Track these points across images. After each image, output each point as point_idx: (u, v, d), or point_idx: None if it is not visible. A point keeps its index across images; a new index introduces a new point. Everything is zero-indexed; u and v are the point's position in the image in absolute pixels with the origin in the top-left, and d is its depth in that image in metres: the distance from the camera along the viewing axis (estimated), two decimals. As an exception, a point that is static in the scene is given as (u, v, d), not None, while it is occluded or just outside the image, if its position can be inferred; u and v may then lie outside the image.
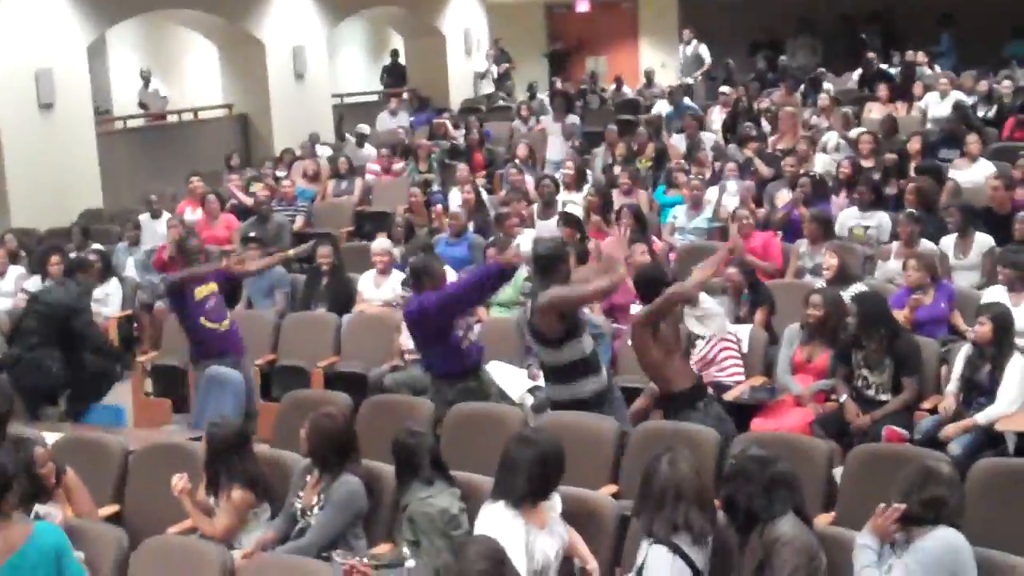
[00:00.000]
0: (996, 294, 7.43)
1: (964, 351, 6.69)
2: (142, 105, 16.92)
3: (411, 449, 5.13)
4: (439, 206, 11.11)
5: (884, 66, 17.27)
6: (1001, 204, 9.12)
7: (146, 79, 16.65)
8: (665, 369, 6.14)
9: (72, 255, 9.95)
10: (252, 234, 10.39)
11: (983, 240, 8.48)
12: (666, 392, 6.17)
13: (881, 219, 9.50)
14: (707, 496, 4.40)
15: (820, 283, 7.70)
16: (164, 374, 9.02)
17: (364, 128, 15.84)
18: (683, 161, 12.27)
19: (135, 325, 10.52)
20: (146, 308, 10.44)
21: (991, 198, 9.19)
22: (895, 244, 8.82)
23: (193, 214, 12.01)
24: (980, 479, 5.13)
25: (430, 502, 4.99)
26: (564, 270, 6.44)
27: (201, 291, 7.69)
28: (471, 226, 10.46)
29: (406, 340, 8.24)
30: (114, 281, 10.34)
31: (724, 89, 16.02)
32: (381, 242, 9.52)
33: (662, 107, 15.92)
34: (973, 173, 10.61)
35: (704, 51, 18.87)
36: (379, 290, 9.31)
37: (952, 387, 6.64)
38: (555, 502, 4.79)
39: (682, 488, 4.29)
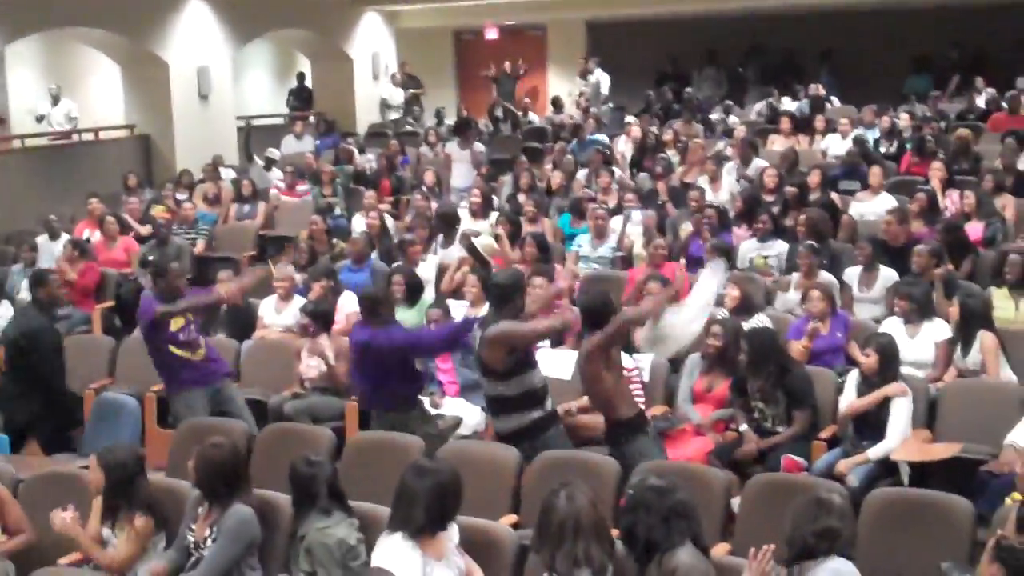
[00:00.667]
0: (892, 326, 7.57)
1: (853, 378, 6.82)
2: (39, 119, 16.50)
3: (308, 478, 5.05)
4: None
5: (786, 100, 17.59)
6: (895, 237, 9.30)
7: (55, 97, 16.30)
8: (615, 396, 6.13)
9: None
10: (150, 257, 10.21)
11: (888, 274, 8.63)
12: (614, 419, 6.14)
13: (780, 249, 9.64)
14: (605, 528, 4.38)
15: (721, 313, 7.76)
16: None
17: (274, 152, 15.69)
18: (587, 190, 12.34)
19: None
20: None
21: (885, 231, 9.37)
22: (795, 275, 8.95)
23: (91, 235, 11.78)
24: (875, 509, 5.21)
25: (328, 532, 4.91)
26: (519, 303, 6.43)
27: (176, 321, 7.40)
28: (374, 253, 10.39)
29: (306, 368, 8.18)
30: (6, 303, 10.08)
31: (629, 119, 16.18)
32: (283, 267, 9.41)
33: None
34: (875, 205, 10.83)
35: (605, 81, 19.04)
36: (280, 316, 9.20)
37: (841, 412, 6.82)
38: (452, 532, 4.74)
39: (580, 522, 4.26)
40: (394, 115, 19.79)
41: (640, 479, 4.70)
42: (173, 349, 7.33)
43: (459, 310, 8.53)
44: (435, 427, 6.96)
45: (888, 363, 6.67)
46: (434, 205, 11.92)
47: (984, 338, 7.32)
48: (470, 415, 7.61)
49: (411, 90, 20.38)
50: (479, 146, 14.93)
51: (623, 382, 6.28)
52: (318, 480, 5.04)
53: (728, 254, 9.22)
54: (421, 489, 4.60)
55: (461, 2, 19.03)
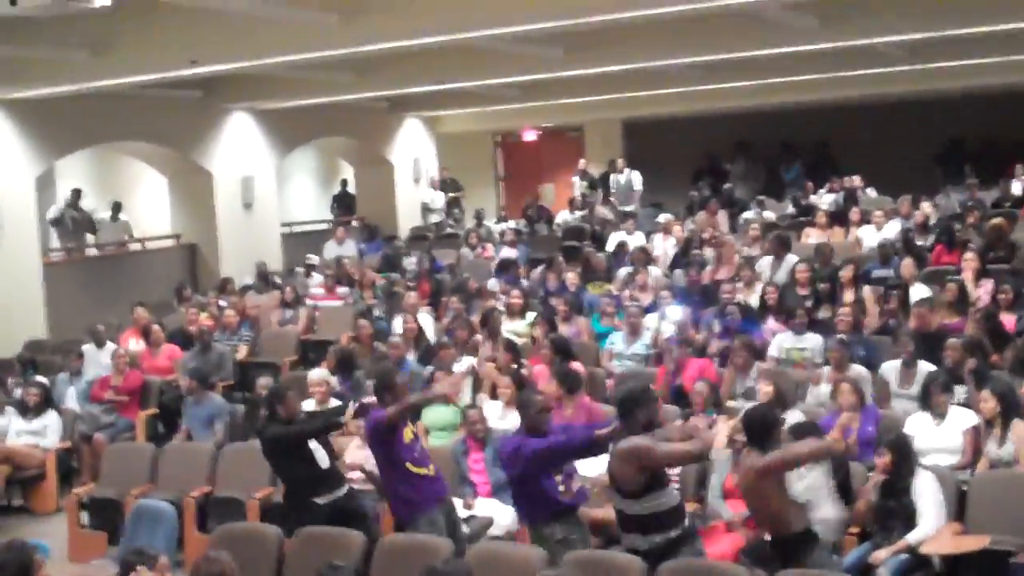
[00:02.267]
0: (918, 416, 7.62)
1: (876, 476, 6.84)
2: (53, 223, 16.71)
3: None
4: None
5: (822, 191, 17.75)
6: (926, 325, 9.36)
7: (115, 208, 16.73)
8: (785, 512, 6.04)
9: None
10: (193, 364, 10.41)
11: (926, 370, 8.54)
12: (784, 534, 6.04)
13: (815, 342, 9.68)
14: None
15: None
16: (101, 506, 8.92)
17: (313, 258, 15.96)
18: (611, 290, 12.49)
19: (74, 456, 10.47)
20: (85, 439, 10.41)
21: (915, 318, 9.43)
22: (826, 369, 8.99)
23: (137, 344, 12.03)
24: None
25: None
26: (644, 416, 6.14)
27: (407, 432, 7.04)
28: (412, 355, 10.53)
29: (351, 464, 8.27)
30: (52, 413, 10.31)
31: (660, 218, 16.34)
32: (317, 372, 9.55)
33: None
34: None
35: (636, 179, 19.26)
36: (318, 420, 9.32)
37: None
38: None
39: None
40: (435, 218, 20.08)
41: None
42: (410, 467, 6.94)
43: (494, 411, 8.68)
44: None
45: (902, 460, 6.73)
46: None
47: (1017, 427, 7.31)
48: (502, 515, 7.66)
49: (451, 193, 20.67)
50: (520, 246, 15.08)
51: (788, 495, 6.25)
52: None
53: (755, 350, 9.26)
54: None
55: (500, 106, 19.36)
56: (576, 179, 20.39)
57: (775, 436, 6.18)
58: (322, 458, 7.34)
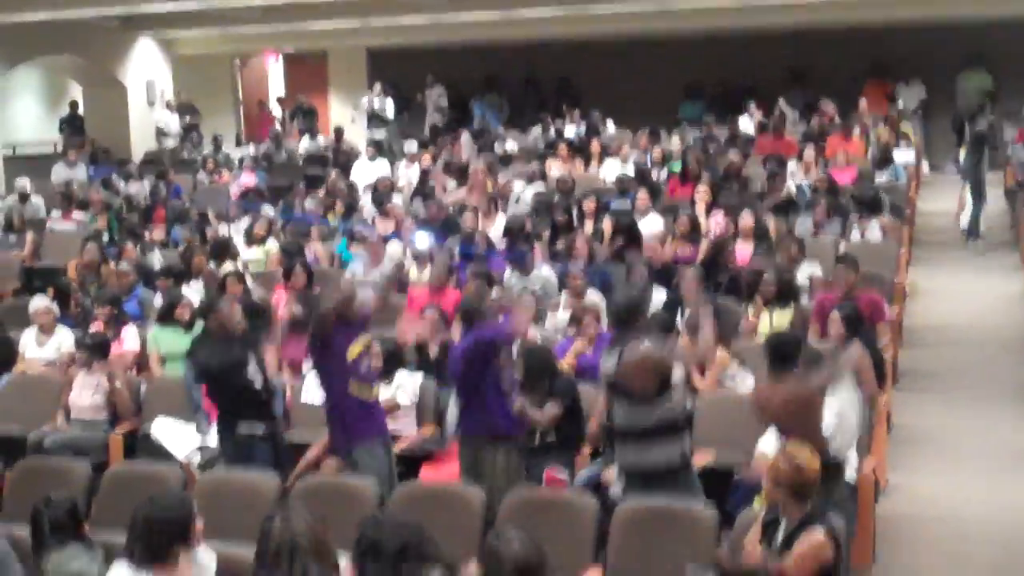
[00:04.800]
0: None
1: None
2: None
3: (46, 513, 4.90)
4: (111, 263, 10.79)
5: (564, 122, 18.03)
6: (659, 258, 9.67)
7: None
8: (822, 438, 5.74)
9: None
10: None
11: (660, 299, 8.80)
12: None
13: (544, 279, 9.71)
14: (327, 550, 4.26)
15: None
16: None
17: (24, 183, 14.80)
18: (366, 218, 12.39)
19: None
20: None
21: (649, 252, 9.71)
22: (563, 295, 9.15)
23: None
24: (625, 518, 5.38)
25: (70, 566, 4.79)
26: (643, 322, 6.25)
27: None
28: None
29: (78, 398, 7.97)
30: None
31: (413, 148, 16.30)
32: (39, 300, 9.13)
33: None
34: (644, 226, 11.16)
35: (388, 106, 19.12)
36: (42, 349, 8.91)
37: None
38: (205, 560, 4.65)
39: (298, 544, 4.17)
40: (171, 143, 19.38)
41: (371, 517, 4.51)
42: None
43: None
44: None
45: None
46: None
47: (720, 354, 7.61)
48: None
49: (188, 117, 20.00)
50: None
51: None
52: (57, 514, 4.90)
53: (491, 279, 9.31)
54: (142, 518, 4.50)
55: (240, 28, 18.74)
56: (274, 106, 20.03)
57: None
58: None
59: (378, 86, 19.42)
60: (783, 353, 5.97)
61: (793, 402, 5.71)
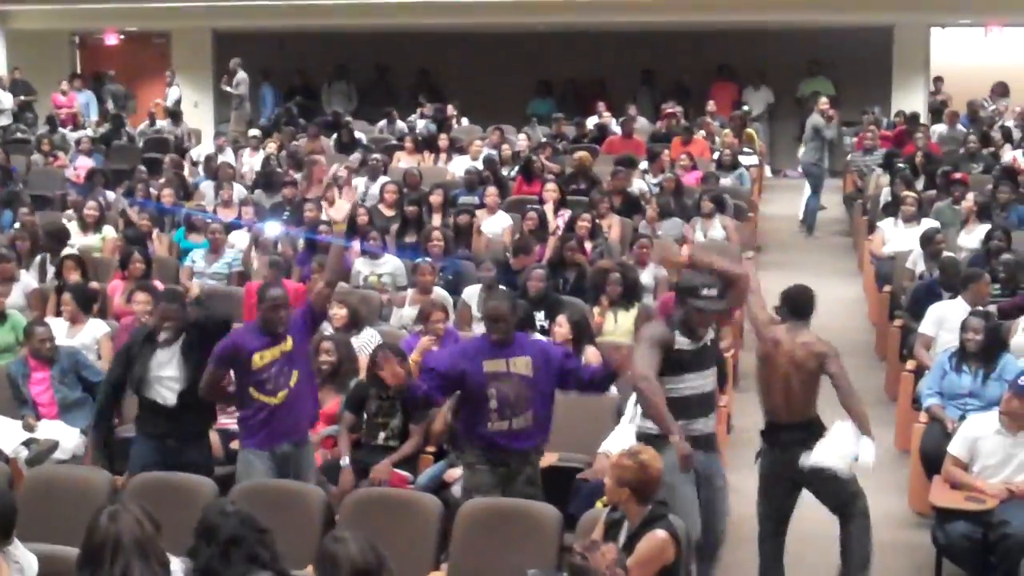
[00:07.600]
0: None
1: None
2: None
3: None
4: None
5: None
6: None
7: None
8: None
9: None
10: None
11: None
12: (809, 417, 6.12)
13: (394, 266, 9.68)
14: (154, 547, 4.06)
15: (329, 330, 7.72)
16: None
17: None
18: (203, 204, 12.08)
19: None
20: None
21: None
22: (410, 291, 9.05)
23: None
24: (468, 518, 5.32)
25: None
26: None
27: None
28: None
29: None
30: None
31: (255, 132, 15.96)
32: None
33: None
34: (492, 224, 11.15)
35: (244, 89, 18.72)
36: None
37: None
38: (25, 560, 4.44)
39: (121, 541, 3.97)
40: (3, 121, 18.59)
41: (217, 502, 4.47)
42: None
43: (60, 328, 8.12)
44: None
45: None
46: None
47: (588, 352, 7.61)
48: (67, 438, 7.23)
49: (22, 96, 19.24)
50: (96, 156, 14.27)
51: None
52: None
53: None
54: None
55: (79, 4, 18.08)
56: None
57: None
58: None
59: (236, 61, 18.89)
60: (800, 304, 6.23)
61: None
